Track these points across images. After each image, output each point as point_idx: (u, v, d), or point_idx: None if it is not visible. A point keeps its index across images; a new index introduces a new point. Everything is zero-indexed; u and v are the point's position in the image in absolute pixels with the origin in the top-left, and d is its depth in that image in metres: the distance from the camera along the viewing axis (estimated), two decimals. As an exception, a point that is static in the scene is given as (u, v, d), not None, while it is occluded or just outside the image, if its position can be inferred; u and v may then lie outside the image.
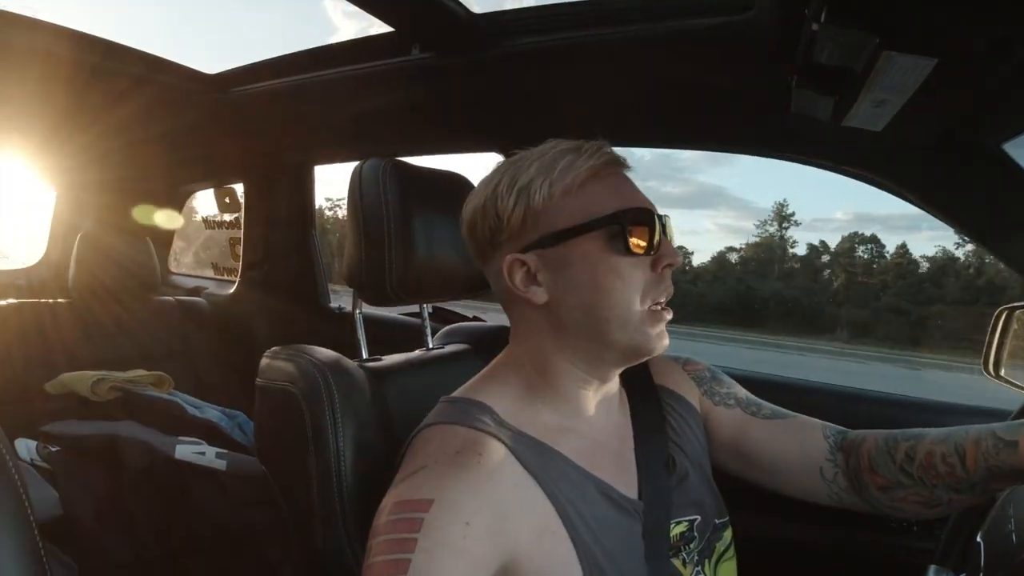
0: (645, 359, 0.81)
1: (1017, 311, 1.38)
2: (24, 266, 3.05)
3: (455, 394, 0.84)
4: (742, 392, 0.99)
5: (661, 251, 0.78)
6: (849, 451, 0.89)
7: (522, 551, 0.70)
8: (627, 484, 0.82)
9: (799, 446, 0.91)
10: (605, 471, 0.80)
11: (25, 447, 1.56)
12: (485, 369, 0.88)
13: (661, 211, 0.80)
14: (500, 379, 0.84)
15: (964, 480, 0.78)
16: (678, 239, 0.85)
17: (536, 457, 0.75)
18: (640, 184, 0.83)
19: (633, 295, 0.76)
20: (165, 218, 2.84)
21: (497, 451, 0.73)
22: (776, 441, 0.92)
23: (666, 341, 0.79)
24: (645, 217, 0.76)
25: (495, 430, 0.76)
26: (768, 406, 0.96)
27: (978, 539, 0.78)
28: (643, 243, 0.76)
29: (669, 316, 0.79)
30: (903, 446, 0.84)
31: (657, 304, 0.78)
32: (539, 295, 0.78)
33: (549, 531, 0.72)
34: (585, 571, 0.71)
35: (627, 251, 0.75)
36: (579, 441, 0.81)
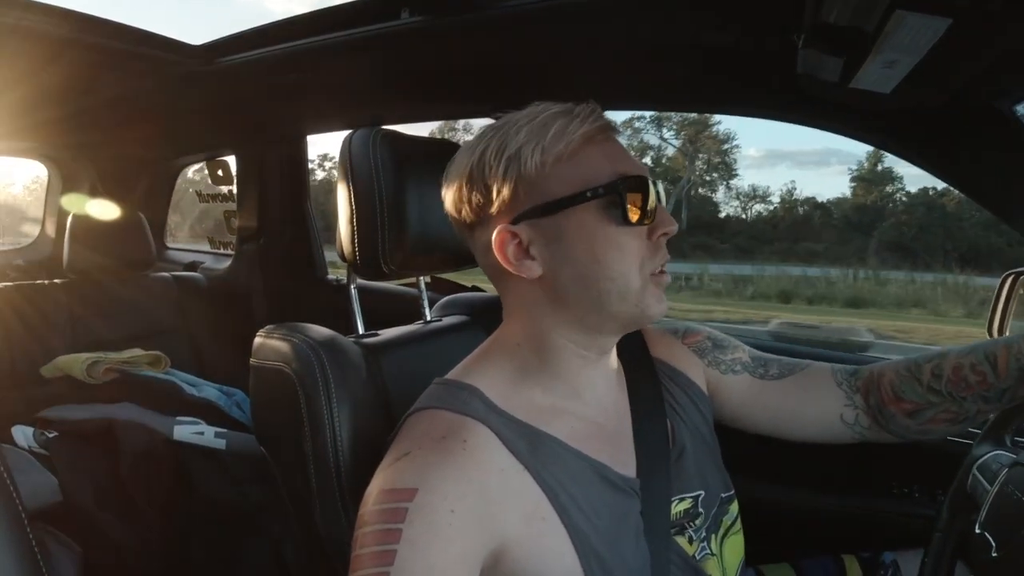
0: (651, 322, 0.80)
1: (1023, 276, 1.36)
2: (18, 246, 3.04)
3: (447, 376, 0.81)
4: (746, 354, 0.97)
5: (657, 219, 0.74)
6: (868, 390, 0.90)
7: (511, 537, 0.68)
8: (625, 463, 0.80)
9: (814, 402, 0.92)
10: (601, 452, 0.78)
11: (22, 434, 1.56)
12: (479, 348, 0.85)
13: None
14: (493, 360, 0.81)
15: (995, 387, 0.80)
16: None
17: (525, 442, 0.73)
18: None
19: (631, 265, 0.73)
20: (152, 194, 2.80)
21: (483, 436, 0.72)
22: (789, 402, 0.92)
23: (664, 306, 0.76)
24: (641, 185, 0.72)
25: (483, 415, 0.74)
26: (775, 363, 0.95)
27: (977, 531, 0.77)
28: (640, 212, 0.72)
29: (668, 280, 0.76)
30: (927, 367, 0.85)
31: (655, 272, 0.75)
32: (533, 269, 0.74)
33: (539, 516, 0.70)
34: (579, 555, 0.70)
35: (624, 221, 0.72)
36: (574, 422, 0.79)
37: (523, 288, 0.77)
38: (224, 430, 1.59)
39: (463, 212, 0.79)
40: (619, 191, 0.72)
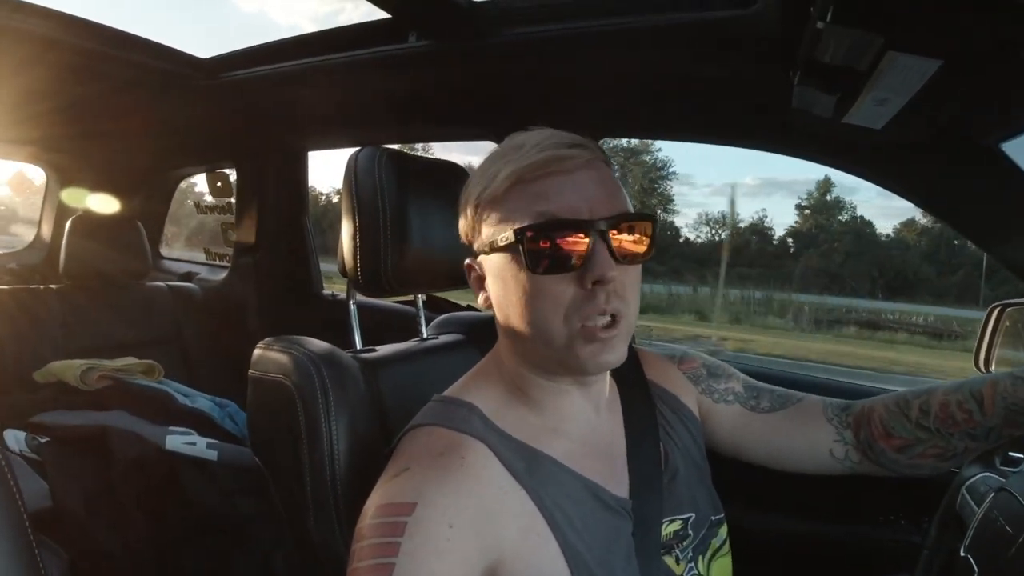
0: (589, 376, 0.78)
1: (1009, 308, 1.39)
2: (12, 250, 3.03)
3: (445, 393, 0.83)
4: (740, 384, 0.97)
5: (586, 266, 0.69)
6: (858, 425, 0.89)
7: (507, 552, 0.69)
8: (618, 483, 0.81)
9: (804, 436, 0.91)
10: (595, 472, 0.79)
11: (14, 438, 1.55)
12: (476, 367, 0.87)
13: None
14: (488, 378, 0.83)
15: (981, 424, 0.80)
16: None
17: (521, 460, 0.74)
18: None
19: (552, 314, 0.70)
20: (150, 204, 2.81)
21: (481, 454, 0.73)
22: (779, 436, 0.92)
23: (605, 358, 0.71)
24: (563, 228, 0.69)
25: (481, 432, 0.75)
26: (768, 394, 0.95)
27: (962, 554, 0.78)
28: (558, 258, 0.69)
29: (610, 334, 0.70)
30: (915, 403, 0.85)
31: (590, 322, 0.70)
32: (485, 300, 0.79)
33: (534, 532, 0.71)
34: (572, 572, 0.71)
35: (530, 268, 0.69)
36: (567, 442, 0.79)
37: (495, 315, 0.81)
38: (216, 441, 1.59)
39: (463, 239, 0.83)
40: (520, 239, 0.69)
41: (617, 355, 0.72)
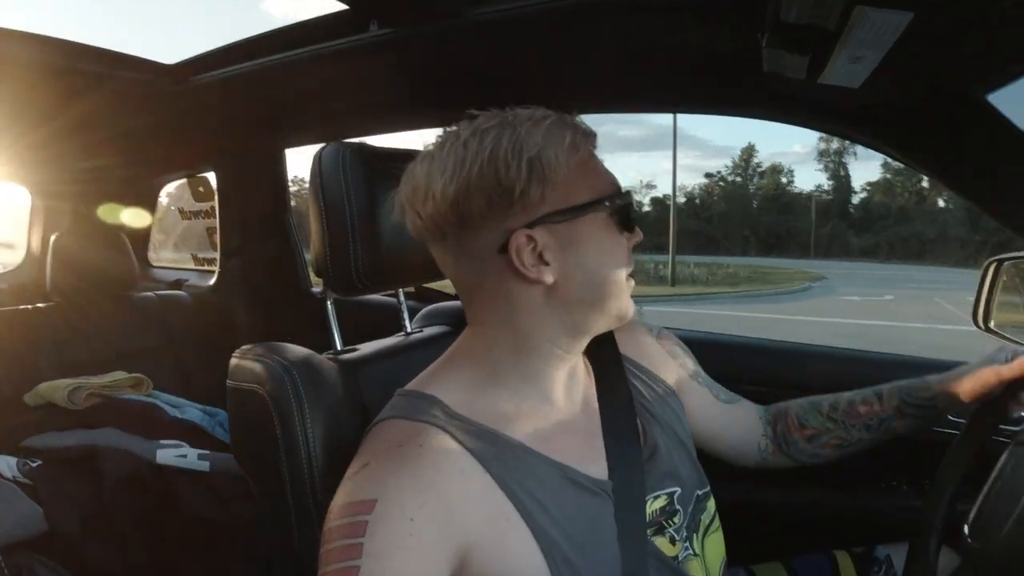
0: (623, 323, 0.84)
1: (1006, 263, 1.35)
2: (4, 270, 3.01)
3: (407, 387, 0.82)
4: (702, 371, 1.07)
5: (634, 230, 0.81)
6: (776, 421, 1.06)
7: (475, 540, 0.68)
8: (595, 464, 0.80)
9: (745, 429, 1.06)
10: (569, 454, 0.77)
11: (6, 464, 1.53)
12: (442, 357, 0.86)
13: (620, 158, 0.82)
14: (456, 368, 0.81)
15: (876, 415, 0.99)
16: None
17: (487, 445, 0.73)
18: (596, 127, 0.81)
19: (624, 271, 0.78)
20: (134, 214, 2.78)
21: (440, 440, 0.72)
22: (733, 425, 1.05)
23: (633, 305, 0.83)
24: (630, 198, 0.81)
25: (441, 421, 0.74)
26: (717, 386, 1.07)
27: (966, 532, 0.76)
28: (632, 221, 0.81)
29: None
30: (826, 401, 1.03)
31: (629, 278, 0.81)
32: (547, 274, 0.73)
33: (503, 518, 0.70)
34: (546, 558, 0.70)
35: (626, 229, 0.79)
36: (540, 425, 0.78)
37: (520, 293, 0.76)
38: (207, 452, 1.58)
39: (463, 213, 0.73)
40: (626, 200, 0.79)
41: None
